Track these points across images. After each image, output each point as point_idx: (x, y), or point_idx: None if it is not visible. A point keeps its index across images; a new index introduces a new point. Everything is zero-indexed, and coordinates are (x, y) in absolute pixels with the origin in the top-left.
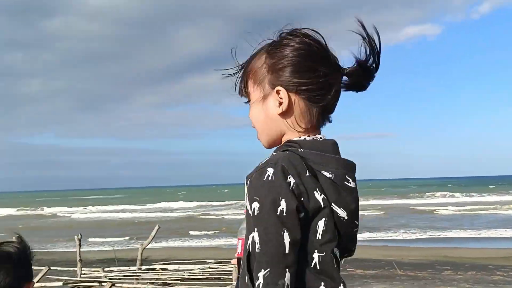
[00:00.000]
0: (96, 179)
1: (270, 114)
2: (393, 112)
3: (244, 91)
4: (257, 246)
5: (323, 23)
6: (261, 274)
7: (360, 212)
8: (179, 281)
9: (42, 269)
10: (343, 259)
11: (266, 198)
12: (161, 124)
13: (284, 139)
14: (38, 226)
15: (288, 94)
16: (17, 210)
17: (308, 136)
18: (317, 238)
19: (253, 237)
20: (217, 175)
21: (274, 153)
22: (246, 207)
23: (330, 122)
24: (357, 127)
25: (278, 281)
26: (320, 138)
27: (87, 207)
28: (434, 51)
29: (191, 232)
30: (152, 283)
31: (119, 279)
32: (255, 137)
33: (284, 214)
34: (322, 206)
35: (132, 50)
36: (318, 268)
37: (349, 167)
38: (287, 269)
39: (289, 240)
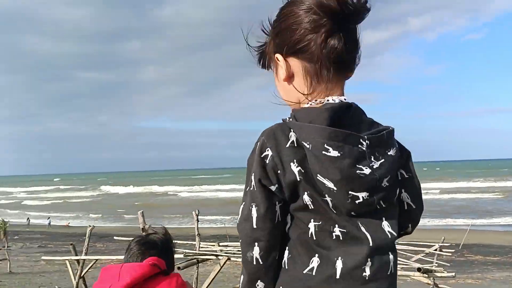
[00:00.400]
0: (205, 159)
1: (281, 83)
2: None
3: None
4: (239, 214)
5: None
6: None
7: (479, 195)
8: None
9: None
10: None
11: (247, 174)
12: (263, 105)
13: (301, 105)
14: (152, 203)
15: (284, 59)
16: (133, 187)
17: (315, 100)
18: (310, 208)
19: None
20: None
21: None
22: None
23: (351, 74)
24: (472, 102)
25: (246, 254)
26: (328, 100)
27: (197, 186)
28: None
29: None
30: None
31: (234, 253)
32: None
33: (254, 189)
34: (298, 178)
35: (235, 34)
36: (314, 238)
37: (331, 136)
38: (256, 243)
39: (256, 215)
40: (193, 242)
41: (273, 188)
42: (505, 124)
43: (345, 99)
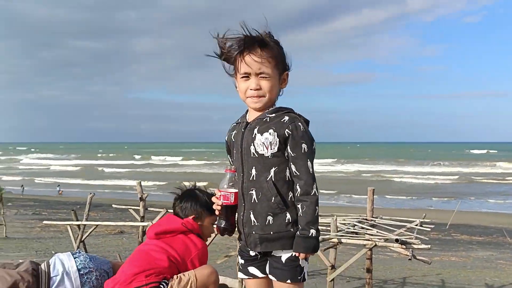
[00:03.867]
0: (199, 133)
1: (279, 88)
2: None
3: None
4: (310, 171)
5: None
6: (314, 186)
7: (472, 177)
8: None
9: (160, 211)
10: None
11: (309, 142)
12: None
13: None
14: (148, 173)
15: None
16: (138, 159)
17: None
18: None
19: (306, 165)
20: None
21: (288, 112)
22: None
23: None
24: (466, 85)
25: (316, 191)
26: None
27: (193, 159)
28: None
29: None
30: None
31: None
32: (344, 95)
33: (315, 152)
34: None
35: (236, 7)
36: None
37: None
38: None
39: (313, 168)
40: None
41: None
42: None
43: None
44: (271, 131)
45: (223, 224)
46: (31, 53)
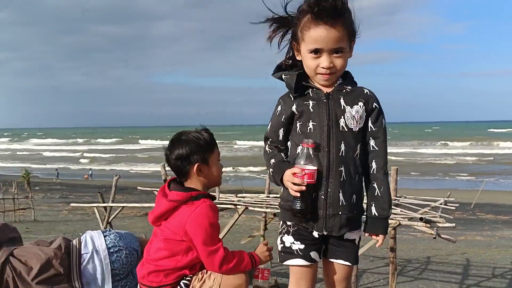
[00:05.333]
0: (220, 115)
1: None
2: None
3: None
4: (387, 147)
5: None
6: (387, 164)
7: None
8: None
9: None
10: None
11: (384, 117)
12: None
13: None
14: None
15: None
16: (151, 141)
17: None
18: None
19: (385, 141)
20: None
21: (360, 85)
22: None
23: None
24: (493, 62)
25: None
26: None
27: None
28: None
29: None
30: (278, 209)
31: (251, 203)
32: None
33: None
34: None
35: None
36: None
37: None
38: None
39: None
40: (213, 194)
41: None
42: None
43: None
44: (360, 104)
45: (299, 205)
46: (53, 39)
